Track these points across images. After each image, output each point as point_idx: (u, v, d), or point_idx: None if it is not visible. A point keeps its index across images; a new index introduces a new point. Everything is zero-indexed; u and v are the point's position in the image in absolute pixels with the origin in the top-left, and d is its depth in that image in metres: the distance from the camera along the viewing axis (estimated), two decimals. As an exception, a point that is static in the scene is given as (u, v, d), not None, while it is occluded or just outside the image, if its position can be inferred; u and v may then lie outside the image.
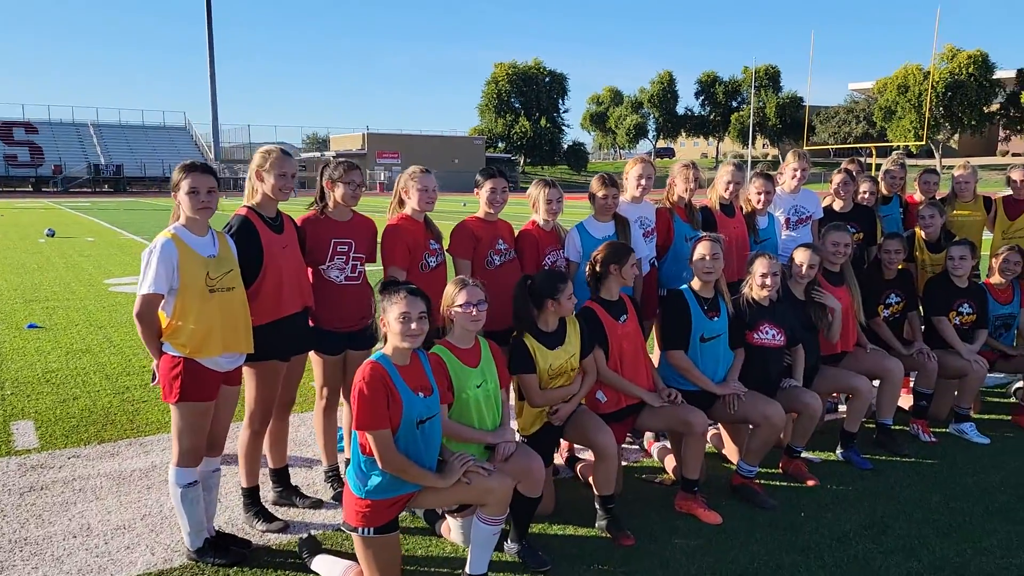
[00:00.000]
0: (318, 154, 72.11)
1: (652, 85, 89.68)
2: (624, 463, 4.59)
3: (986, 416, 5.86)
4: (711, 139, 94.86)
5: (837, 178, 6.09)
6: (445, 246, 4.59)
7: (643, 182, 5.10)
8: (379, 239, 4.31)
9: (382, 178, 69.33)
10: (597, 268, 4.30)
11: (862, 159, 6.76)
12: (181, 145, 69.61)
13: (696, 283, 4.50)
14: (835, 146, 72.48)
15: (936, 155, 67.78)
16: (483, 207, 4.58)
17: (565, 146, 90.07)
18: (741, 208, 5.57)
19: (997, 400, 6.27)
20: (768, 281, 4.55)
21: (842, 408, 5.77)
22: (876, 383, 5.17)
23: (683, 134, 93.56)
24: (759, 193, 5.53)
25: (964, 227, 6.46)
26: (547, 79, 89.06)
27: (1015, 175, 6.45)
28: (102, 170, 61.30)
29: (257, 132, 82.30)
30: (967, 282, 5.61)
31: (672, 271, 5.17)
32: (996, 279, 5.75)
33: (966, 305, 5.57)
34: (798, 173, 5.84)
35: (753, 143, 78.75)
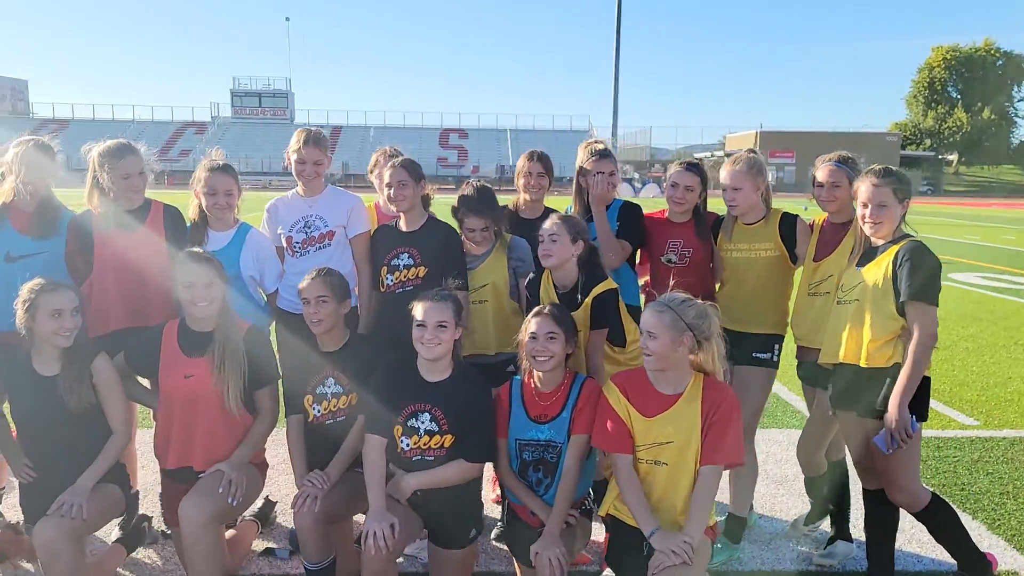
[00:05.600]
0: (708, 155, 70.57)
1: None
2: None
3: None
4: None
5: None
6: None
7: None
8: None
9: (770, 178, 65.05)
10: None
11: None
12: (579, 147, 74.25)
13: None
14: None
15: None
16: None
17: (1016, 142, 73.72)
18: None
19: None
20: None
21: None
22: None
23: None
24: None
25: (739, 269, 3.81)
26: (999, 62, 73.81)
27: (822, 174, 3.65)
28: (506, 170, 68.44)
29: (659, 134, 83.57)
30: None
31: None
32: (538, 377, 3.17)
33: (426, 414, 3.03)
34: (298, 155, 3.88)
35: None
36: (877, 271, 3.17)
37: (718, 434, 2.80)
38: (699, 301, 2.91)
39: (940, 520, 3.28)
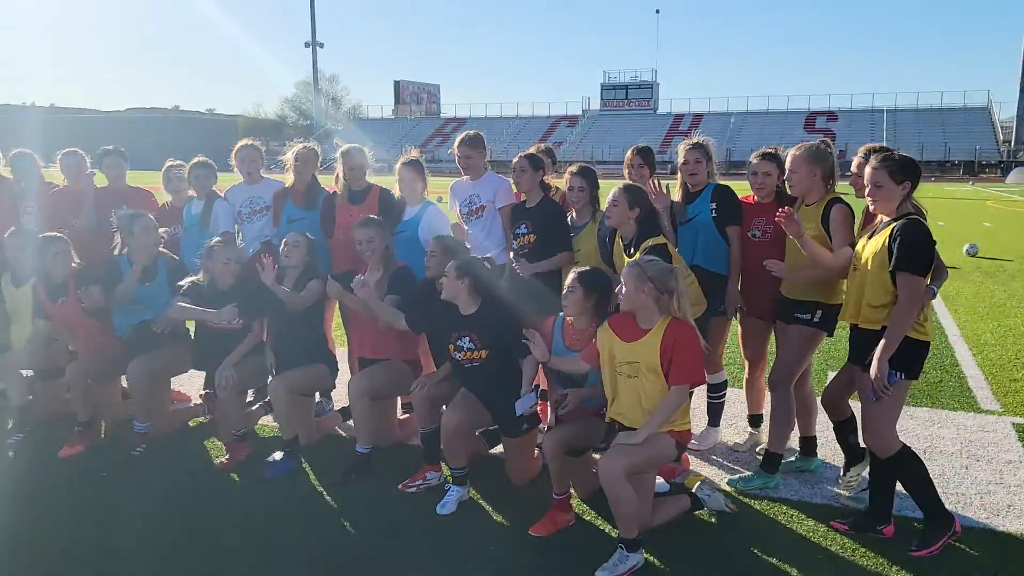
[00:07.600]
0: None
1: None
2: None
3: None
4: None
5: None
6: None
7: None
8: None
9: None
10: None
11: None
12: (974, 127, 64.76)
13: None
14: None
15: None
16: None
17: None
18: None
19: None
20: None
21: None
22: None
23: None
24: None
25: (792, 245, 4.28)
26: None
27: (859, 164, 4.11)
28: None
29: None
30: None
31: None
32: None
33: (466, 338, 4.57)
34: (457, 153, 5.32)
35: None
36: (876, 244, 3.66)
37: (678, 361, 3.67)
38: (665, 263, 3.82)
39: (905, 471, 3.77)
